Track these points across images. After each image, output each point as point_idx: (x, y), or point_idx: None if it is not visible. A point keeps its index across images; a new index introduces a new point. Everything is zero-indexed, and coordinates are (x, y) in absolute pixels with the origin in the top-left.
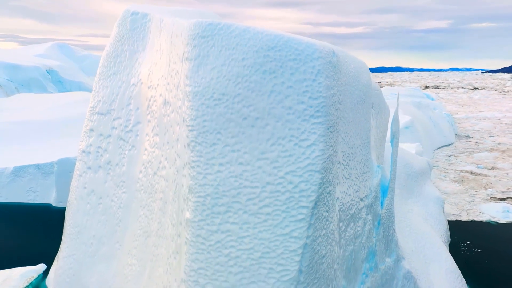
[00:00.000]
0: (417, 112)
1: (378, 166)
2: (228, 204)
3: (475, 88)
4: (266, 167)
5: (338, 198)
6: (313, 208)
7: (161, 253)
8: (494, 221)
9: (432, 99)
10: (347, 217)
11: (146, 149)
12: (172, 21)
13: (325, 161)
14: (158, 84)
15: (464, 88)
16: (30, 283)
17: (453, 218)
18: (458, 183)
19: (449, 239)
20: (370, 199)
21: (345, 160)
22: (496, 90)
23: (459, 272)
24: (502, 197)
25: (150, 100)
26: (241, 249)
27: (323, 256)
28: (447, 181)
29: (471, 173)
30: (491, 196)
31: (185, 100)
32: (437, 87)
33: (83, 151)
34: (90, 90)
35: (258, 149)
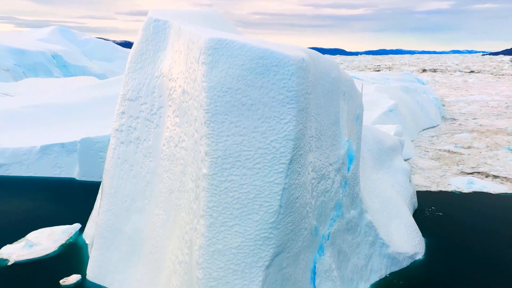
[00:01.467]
0: (404, 96)
1: (347, 141)
2: (232, 162)
3: (471, 72)
4: (258, 137)
5: (311, 162)
6: (289, 164)
7: (183, 203)
8: (458, 191)
9: (423, 83)
10: (319, 176)
11: (168, 128)
12: (188, 29)
13: (297, 133)
14: (177, 78)
15: (461, 72)
16: (70, 237)
17: (424, 189)
18: (435, 160)
19: (416, 205)
20: (338, 164)
21: (317, 135)
22: (491, 74)
23: (417, 227)
24: (470, 171)
25: (170, 90)
26: (241, 192)
27: (297, 198)
28: (425, 159)
29: (448, 151)
30: (461, 171)
31: (202, 92)
32: (435, 70)
33: (116, 130)
34: (93, 74)
35: (252, 125)
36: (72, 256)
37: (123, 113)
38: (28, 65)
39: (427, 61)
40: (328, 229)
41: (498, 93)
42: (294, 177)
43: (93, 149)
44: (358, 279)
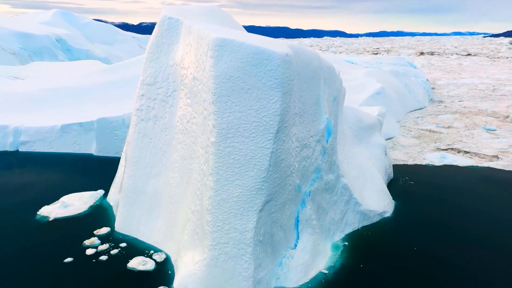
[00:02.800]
0: (393, 79)
1: (327, 118)
2: (234, 132)
3: (468, 54)
4: (253, 113)
5: (295, 133)
6: (276, 133)
7: (194, 166)
8: (431, 164)
9: (414, 67)
10: (301, 145)
11: (181, 107)
12: (197, 27)
13: (282, 110)
14: (188, 66)
15: (458, 54)
16: (97, 200)
17: (402, 163)
18: (416, 138)
19: (392, 175)
20: (318, 136)
21: (300, 112)
22: (487, 56)
23: (388, 192)
24: (445, 148)
25: (183, 76)
26: (241, 155)
27: (282, 160)
28: (407, 137)
29: (429, 131)
30: (437, 147)
31: (210, 79)
32: (432, 53)
33: (137, 109)
34: (96, 58)
35: (249, 104)
36: (100, 214)
37: (142, 95)
38: (34, 49)
39: (426, 43)
40: (309, 188)
41: (489, 76)
42: (280, 143)
43: (108, 127)
44: (335, 229)
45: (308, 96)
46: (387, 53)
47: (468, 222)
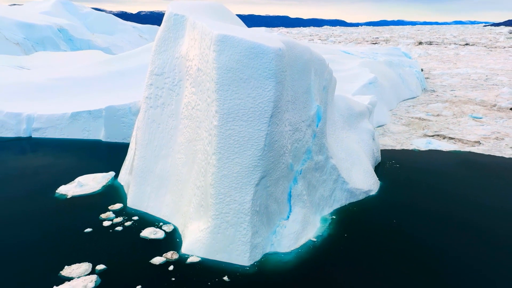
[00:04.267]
0: (387, 69)
1: (317, 105)
2: (233, 117)
3: (466, 44)
4: (250, 100)
5: (287, 118)
6: (270, 118)
7: (199, 148)
8: (417, 149)
9: (410, 58)
10: (293, 129)
11: (186, 95)
12: (201, 24)
13: (276, 98)
14: (193, 59)
15: (456, 44)
16: (109, 181)
17: (390, 148)
18: (406, 126)
19: (379, 159)
20: (309, 121)
21: (292, 99)
22: (485, 46)
23: (374, 173)
24: (432, 134)
25: (188, 67)
26: (240, 136)
27: (276, 141)
28: (397, 125)
29: (419, 118)
30: (425, 134)
31: (213, 70)
32: (430, 43)
33: (147, 97)
34: (98, 48)
35: (247, 92)
36: (113, 193)
37: (151, 84)
38: (37, 39)
39: (426, 33)
40: (301, 167)
41: (483, 66)
42: (274, 127)
43: (116, 115)
44: (324, 204)
45: (299, 85)
46: (386, 43)
47: (446, 201)
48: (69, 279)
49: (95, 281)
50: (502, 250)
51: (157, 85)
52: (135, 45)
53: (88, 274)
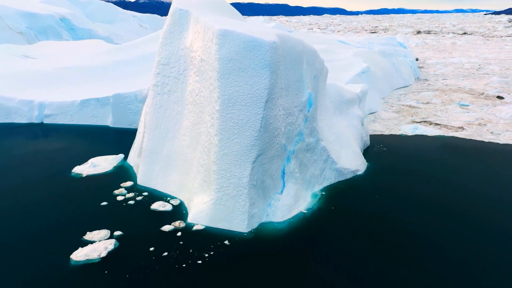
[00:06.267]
0: (381, 59)
1: (309, 92)
2: (233, 102)
3: (464, 33)
4: (248, 87)
5: (281, 104)
6: (265, 103)
7: (202, 130)
8: (404, 134)
9: (405, 47)
10: (287, 113)
11: (190, 83)
12: (204, 19)
13: (270, 85)
14: (197, 50)
15: (454, 33)
16: (119, 162)
17: (379, 133)
18: (396, 113)
19: (368, 143)
20: (301, 106)
21: (285, 87)
22: (482, 35)
23: (361, 154)
24: (419, 121)
25: (192, 58)
26: (239, 119)
27: (271, 123)
28: (388, 112)
29: (409, 106)
30: (413, 120)
31: (215, 60)
32: (429, 32)
33: (154, 85)
34: (99, 37)
35: (245, 80)
36: (124, 172)
37: (158, 73)
38: (39, 28)
39: (426, 21)
40: (293, 147)
41: (478, 56)
42: (269, 111)
43: (123, 102)
44: (315, 182)
45: (292, 74)
46: (385, 32)
47: (426, 179)
48: (91, 242)
49: (114, 244)
50: (474, 229)
51: (164, 74)
52: (135, 34)
53: (108, 239)
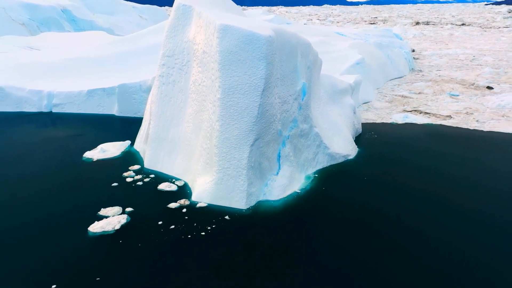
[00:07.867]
0: (376, 50)
1: (303, 82)
2: (233, 90)
3: (462, 24)
4: (247, 78)
5: (277, 93)
6: (263, 91)
7: (204, 117)
8: (395, 123)
9: (401, 39)
10: (282, 101)
11: (193, 74)
12: (206, 14)
13: (266, 75)
14: (199, 43)
15: (452, 24)
16: (126, 148)
17: (371, 122)
18: (389, 102)
19: (360, 131)
20: (295, 95)
21: (281, 77)
22: (480, 26)
23: (353, 141)
24: (410, 110)
25: (195, 50)
26: (239, 107)
27: (267, 110)
28: (382, 102)
29: (402, 96)
30: (404, 109)
31: (216, 53)
32: (427, 23)
33: (160, 75)
34: (100, 29)
35: (244, 71)
36: (131, 157)
37: (163, 64)
38: (41, 19)
39: (425, 12)
40: (288, 133)
41: (473, 47)
42: (265, 99)
43: (128, 92)
44: (308, 165)
45: (287, 65)
46: (384, 23)
47: (412, 164)
48: (105, 217)
49: (126, 218)
50: (454, 210)
51: (169, 65)
52: (135, 26)
53: (120, 214)
